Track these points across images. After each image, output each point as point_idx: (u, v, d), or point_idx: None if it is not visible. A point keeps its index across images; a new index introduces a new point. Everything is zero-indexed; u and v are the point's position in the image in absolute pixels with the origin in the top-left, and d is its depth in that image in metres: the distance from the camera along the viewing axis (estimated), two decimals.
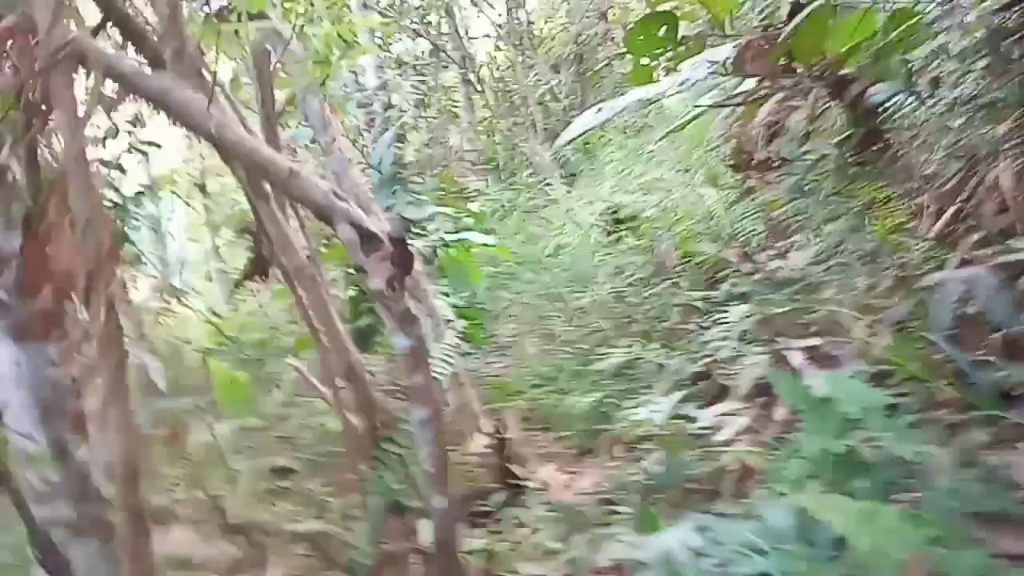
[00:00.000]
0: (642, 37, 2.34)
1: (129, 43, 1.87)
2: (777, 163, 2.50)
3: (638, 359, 3.59)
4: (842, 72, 2.28)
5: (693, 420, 2.63)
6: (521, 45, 12.11)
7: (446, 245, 4.29)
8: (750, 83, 2.65)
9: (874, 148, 2.29)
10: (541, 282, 4.95)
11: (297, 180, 1.69)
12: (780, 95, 2.31)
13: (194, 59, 1.74)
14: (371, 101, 7.18)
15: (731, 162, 2.43)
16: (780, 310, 2.58)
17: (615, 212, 5.63)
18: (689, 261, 4.47)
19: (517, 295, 5.10)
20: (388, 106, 7.22)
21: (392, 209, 6.85)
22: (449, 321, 3.65)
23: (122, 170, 4.25)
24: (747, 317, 2.83)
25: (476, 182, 10.93)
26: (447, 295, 4.06)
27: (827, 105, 2.29)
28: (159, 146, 4.46)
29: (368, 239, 1.70)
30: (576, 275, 4.96)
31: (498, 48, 12.82)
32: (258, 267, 2.75)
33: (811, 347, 2.35)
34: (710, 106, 2.89)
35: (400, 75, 10.12)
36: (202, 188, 11.63)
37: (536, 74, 12.64)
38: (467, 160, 10.93)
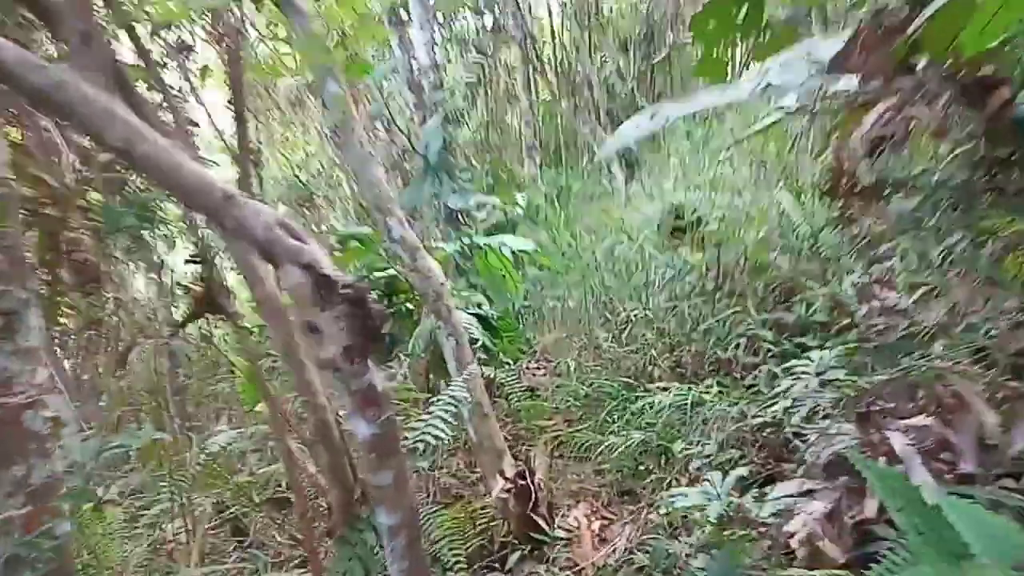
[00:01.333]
0: (714, 22, 1.81)
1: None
2: (886, 189, 1.94)
3: (692, 399, 3.08)
4: (981, 73, 1.72)
5: (756, 497, 2.12)
6: (587, 24, 11.47)
7: (479, 248, 3.84)
8: (849, 81, 2.10)
9: (1018, 173, 1.71)
10: (590, 286, 4.45)
11: (232, 207, 1.26)
12: (893, 99, 1.76)
13: (105, 48, 1.34)
14: (421, 81, 6.75)
15: (827, 184, 1.89)
16: (882, 373, 2.04)
17: (678, 212, 5.06)
18: (759, 277, 3.90)
19: (561, 299, 4.62)
20: (438, 86, 6.78)
21: (437, 198, 6.44)
22: (475, 342, 3.20)
23: None
24: (833, 368, 2.29)
25: (532, 168, 10.42)
26: (480, 306, 3.63)
27: (957, 115, 1.73)
28: None
29: (324, 288, 1.26)
30: (629, 281, 4.45)
31: (563, 27, 12.20)
32: (207, 303, 2.34)
33: (920, 428, 1.82)
34: (798, 111, 2.34)
35: (458, 53, 9.65)
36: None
37: (602, 55, 11.99)
38: (524, 144, 10.41)
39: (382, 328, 1.28)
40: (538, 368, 4.74)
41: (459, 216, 6.58)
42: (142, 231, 4.93)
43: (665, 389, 3.35)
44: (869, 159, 1.82)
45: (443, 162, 5.98)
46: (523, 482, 2.83)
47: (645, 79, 12.04)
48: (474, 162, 10.00)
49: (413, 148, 5.97)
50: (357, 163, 2.96)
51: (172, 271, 6.18)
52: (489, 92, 11.89)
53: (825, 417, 2.28)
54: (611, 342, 3.84)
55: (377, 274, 3.83)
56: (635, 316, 4.06)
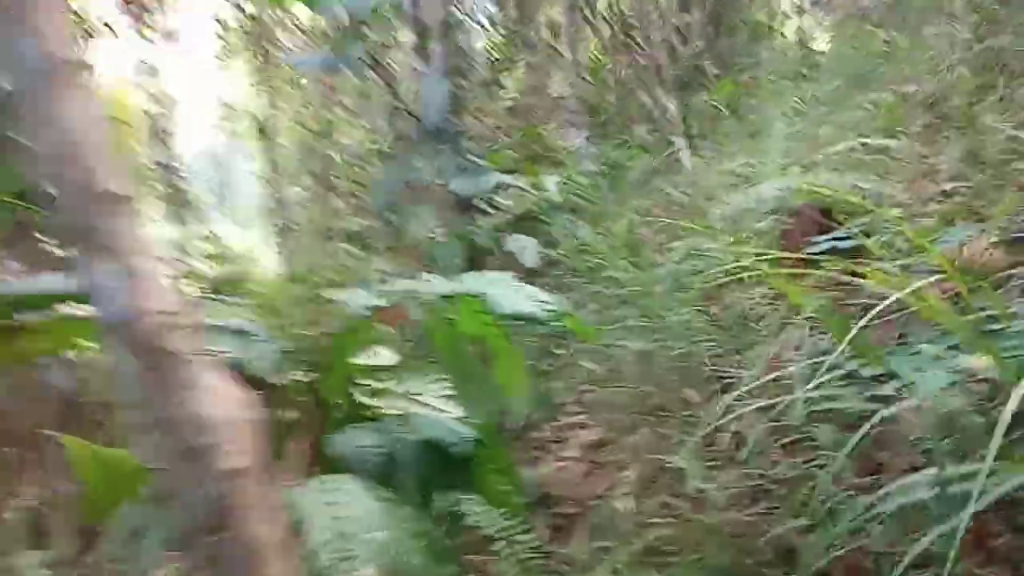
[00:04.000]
0: None
1: None
2: None
3: None
4: None
5: None
6: None
7: (447, 301, 1.84)
8: None
9: None
10: (656, 335, 2.64)
11: None
12: None
13: None
14: (423, 20, 4.93)
15: None
16: None
17: (796, 209, 3.20)
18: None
19: (607, 360, 2.78)
20: (448, 28, 4.97)
21: (440, 176, 4.66)
22: None
23: None
24: None
25: (578, 139, 8.55)
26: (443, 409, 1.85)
27: None
28: None
29: None
30: (726, 329, 2.64)
31: None
32: None
33: None
34: None
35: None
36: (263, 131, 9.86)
37: (659, 11, 9.96)
38: (567, 109, 8.53)
39: None
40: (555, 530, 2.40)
41: (472, 203, 4.83)
42: None
43: None
44: None
45: (446, 129, 4.19)
46: None
47: (711, 40, 10.05)
48: (505, 134, 8.16)
49: (405, 109, 4.20)
50: None
51: None
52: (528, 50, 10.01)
53: None
54: (708, 478, 1.92)
55: None
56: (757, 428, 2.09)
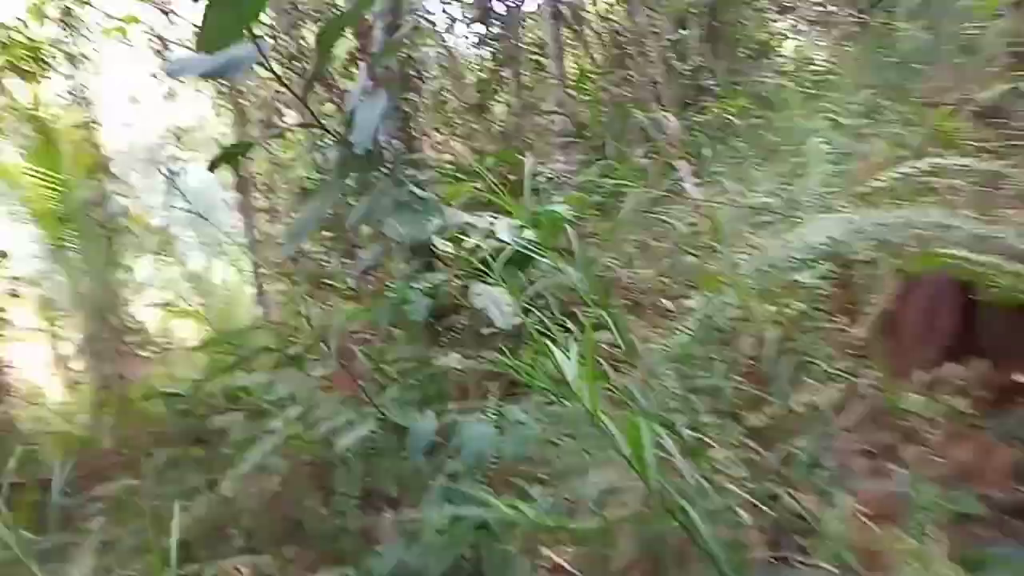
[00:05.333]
0: None
1: None
2: None
3: None
4: None
5: None
6: None
7: None
8: None
9: None
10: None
11: None
12: None
13: None
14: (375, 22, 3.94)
15: None
16: None
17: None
18: None
19: None
20: (393, 28, 4.00)
21: (369, 217, 3.59)
22: None
23: None
24: None
25: (568, 163, 7.57)
26: None
27: None
28: None
29: None
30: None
31: None
32: None
33: None
34: None
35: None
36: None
37: (654, 25, 9.04)
38: (553, 130, 7.54)
39: None
40: None
41: (433, 247, 3.83)
42: None
43: None
44: None
45: (377, 153, 3.17)
46: None
47: (708, 55, 9.14)
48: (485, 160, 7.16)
49: (325, 129, 3.18)
50: None
51: None
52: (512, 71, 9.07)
53: None
54: None
55: None
56: None
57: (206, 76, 2.83)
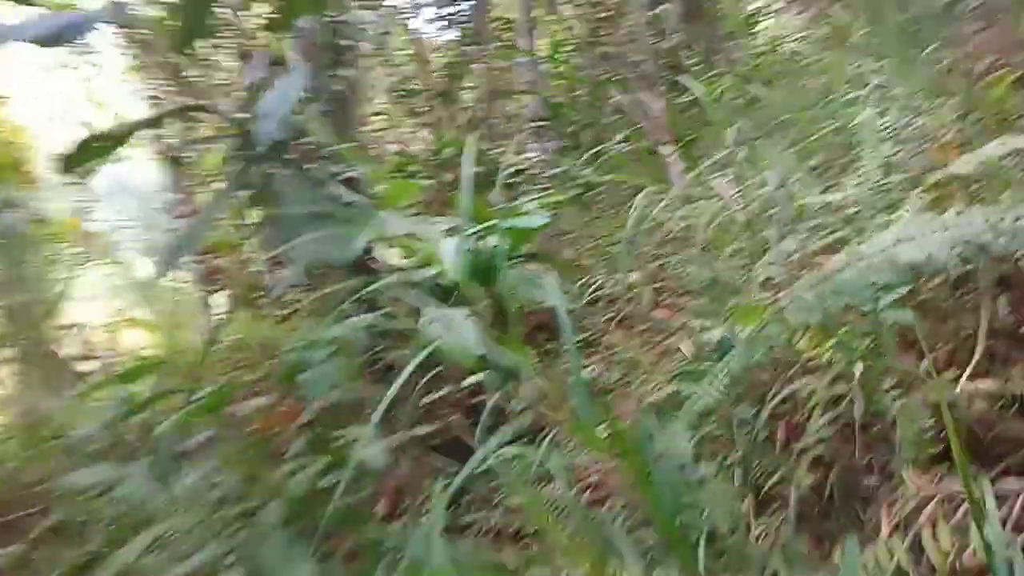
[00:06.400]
0: None
1: None
2: None
3: None
4: None
5: None
6: None
7: None
8: None
9: None
10: None
11: None
12: None
13: None
14: None
15: None
16: None
17: None
18: None
19: None
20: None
21: (262, 228, 2.72)
22: None
23: None
24: None
25: (541, 153, 6.82)
26: None
27: None
28: None
29: None
30: None
31: None
32: None
33: None
34: None
35: None
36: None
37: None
38: (526, 116, 6.77)
39: None
40: None
41: (367, 264, 3.09)
42: None
43: None
44: None
45: (284, 145, 2.41)
46: None
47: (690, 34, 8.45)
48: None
49: (218, 114, 2.41)
50: None
51: None
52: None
53: None
54: None
55: None
56: None
57: (38, 43, 2.07)
